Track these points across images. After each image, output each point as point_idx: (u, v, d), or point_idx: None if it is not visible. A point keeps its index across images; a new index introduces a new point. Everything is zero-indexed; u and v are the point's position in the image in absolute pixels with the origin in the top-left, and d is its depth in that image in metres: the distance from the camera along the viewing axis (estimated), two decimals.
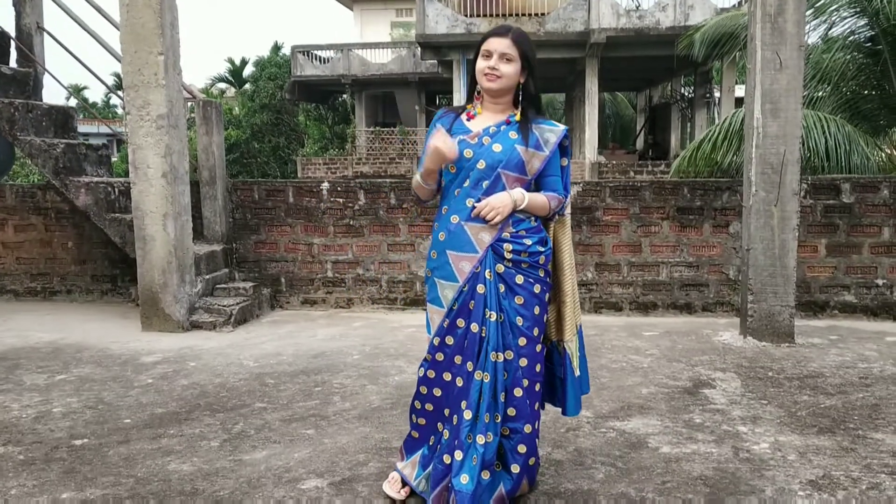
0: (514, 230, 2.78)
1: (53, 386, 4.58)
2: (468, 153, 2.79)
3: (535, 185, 2.87)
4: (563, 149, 2.91)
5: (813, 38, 11.03)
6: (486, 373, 2.74)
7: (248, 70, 37.08)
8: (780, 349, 5.27)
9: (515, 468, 2.84)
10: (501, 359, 2.76)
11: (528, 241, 2.79)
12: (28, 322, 6.44)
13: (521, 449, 2.83)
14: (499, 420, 2.77)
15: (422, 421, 2.98)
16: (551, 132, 2.86)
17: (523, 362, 2.79)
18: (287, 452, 3.49)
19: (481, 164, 2.77)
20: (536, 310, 2.81)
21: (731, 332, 5.79)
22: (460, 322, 2.79)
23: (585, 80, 20.91)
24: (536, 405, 2.88)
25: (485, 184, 2.78)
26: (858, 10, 10.33)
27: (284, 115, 31.81)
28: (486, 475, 2.73)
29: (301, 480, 3.17)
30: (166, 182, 5.89)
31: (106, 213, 6.43)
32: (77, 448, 3.57)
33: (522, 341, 2.79)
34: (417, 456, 2.99)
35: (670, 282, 6.52)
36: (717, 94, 23.87)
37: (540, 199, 2.82)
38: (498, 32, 2.83)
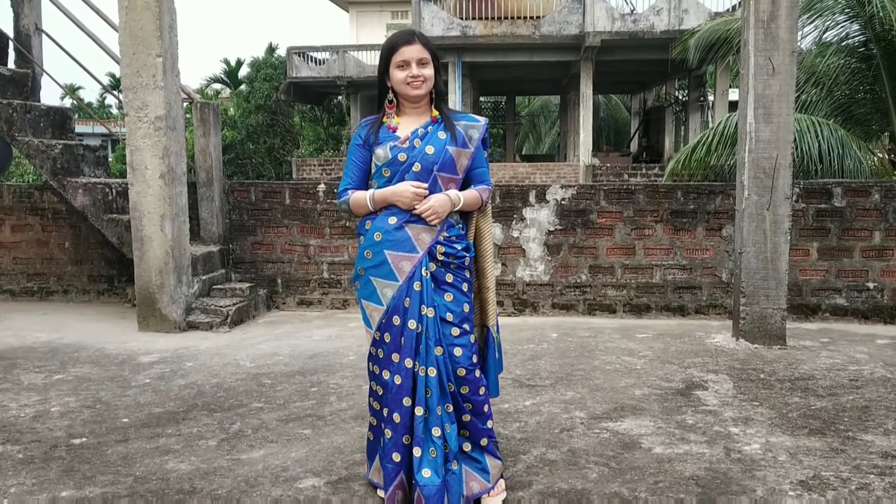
0: (447, 234, 2.91)
1: (51, 385, 4.61)
2: (402, 157, 2.87)
3: (464, 179, 3.00)
4: (483, 141, 3.03)
5: (807, 42, 11.12)
6: (430, 367, 2.82)
7: (244, 71, 37.10)
8: (771, 351, 5.33)
9: (484, 441, 2.97)
10: (442, 352, 2.85)
11: (458, 247, 2.94)
12: (25, 322, 6.46)
13: (490, 424, 2.99)
14: (450, 410, 2.86)
15: (374, 421, 3.02)
16: (474, 128, 2.99)
17: (458, 352, 2.89)
18: (284, 452, 3.52)
19: (416, 167, 2.87)
20: (466, 307, 2.95)
21: (724, 334, 5.84)
22: (396, 319, 2.86)
23: (580, 84, 20.98)
24: (482, 390, 2.97)
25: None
26: (852, 14, 10.41)
27: (280, 116, 31.83)
28: (454, 466, 2.82)
29: (298, 479, 3.21)
30: (164, 183, 5.92)
31: (103, 213, 6.46)
32: (76, 447, 3.60)
33: (455, 332, 2.89)
34: (377, 460, 3.01)
35: (664, 284, 6.57)
36: (710, 98, 23.98)
37: (473, 194, 2.97)
38: (406, 40, 2.89)
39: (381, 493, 3.00)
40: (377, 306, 2.90)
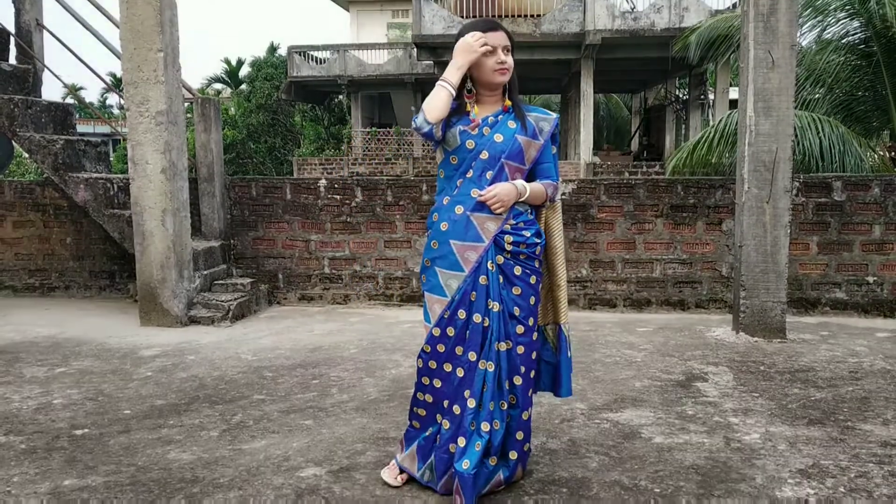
0: (514, 222, 2.86)
1: (53, 378, 4.62)
2: (470, 144, 2.84)
3: (530, 172, 2.95)
4: (553, 137, 2.99)
5: (807, 39, 11.12)
6: (490, 362, 2.80)
7: (244, 70, 37.11)
8: (771, 344, 5.34)
9: (514, 454, 2.93)
10: (504, 348, 2.82)
11: (527, 233, 2.88)
12: (27, 317, 6.48)
13: (519, 436, 2.92)
14: (504, 407, 2.85)
15: (422, 412, 3.01)
16: (545, 121, 2.95)
17: (521, 350, 2.86)
18: (286, 442, 3.53)
19: (484, 155, 2.83)
20: (532, 300, 2.89)
21: (724, 328, 5.85)
22: (461, 313, 2.84)
23: (581, 82, 20.99)
24: (531, 392, 2.96)
25: (489, 174, 2.84)
26: (852, 12, 10.42)
27: (280, 115, 31.85)
28: (493, 461, 2.83)
29: (299, 469, 3.22)
30: (165, 178, 5.94)
31: (105, 208, 6.48)
32: (78, 438, 3.62)
33: (520, 329, 2.86)
34: (414, 447, 3.02)
35: (664, 279, 6.59)
36: (711, 96, 23.97)
37: (538, 187, 2.90)
38: (492, 27, 2.87)
39: (399, 478, 3.03)
40: (440, 298, 2.87)
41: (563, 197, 6.61)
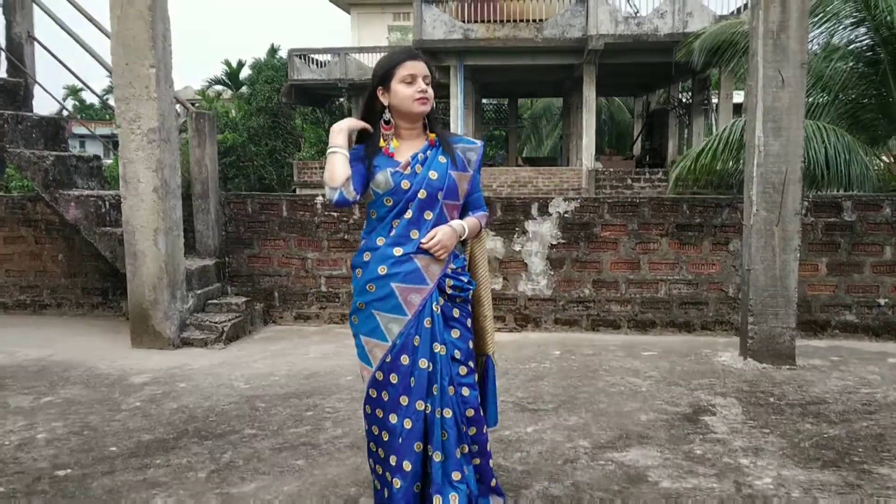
0: (454, 266, 2.81)
1: (39, 409, 4.47)
2: (405, 184, 2.72)
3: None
4: (479, 164, 2.92)
5: (813, 46, 10.97)
6: (446, 408, 2.69)
7: (245, 73, 36.94)
8: (780, 372, 5.18)
9: (494, 482, 2.85)
10: (454, 391, 2.72)
11: (464, 279, 2.83)
12: (16, 336, 6.33)
13: (493, 483, 2.85)
14: (466, 451, 2.73)
15: (379, 469, 2.82)
16: (471, 150, 2.87)
17: (466, 392, 2.76)
18: (276, 485, 3.38)
19: (422, 194, 2.72)
20: (470, 343, 2.83)
21: (731, 352, 5.69)
22: (405, 359, 2.71)
23: (583, 87, 20.81)
24: (485, 428, 2.85)
25: (427, 214, 2.74)
26: (859, 19, 10.27)
27: (281, 118, 31.70)
28: None
29: None
30: (157, 197, 5.78)
31: (96, 226, 6.33)
32: (60, 479, 3.47)
33: (463, 371, 2.77)
34: None
35: (669, 300, 6.42)
36: (714, 101, 23.81)
37: (474, 222, 2.88)
38: (412, 56, 2.77)
39: None
40: (380, 342, 2.74)
41: (566, 215, 6.45)
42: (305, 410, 4.42)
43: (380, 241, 2.76)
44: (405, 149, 2.80)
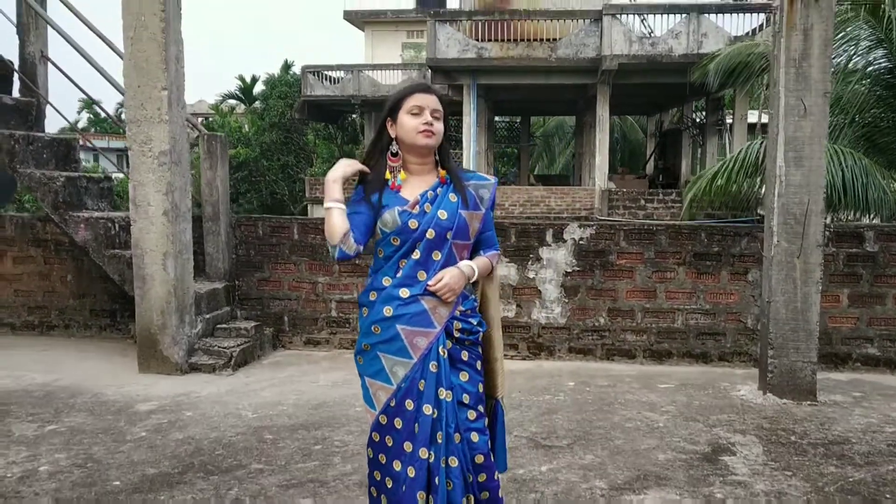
0: (463, 308, 2.70)
1: (42, 438, 4.38)
2: (413, 224, 2.62)
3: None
4: (492, 202, 2.83)
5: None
6: (451, 456, 2.59)
7: (259, 88, 37.06)
8: (801, 408, 5.04)
9: None
10: (460, 438, 2.61)
11: (474, 321, 2.73)
12: (23, 359, 6.25)
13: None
14: (472, 501, 2.63)
15: None
16: (484, 188, 2.77)
17: (475, 437, 2.65)
18: None
19: (430, 234, 2.63)
20: (480, 386, 2.72)
21: (750, 385, 5.55)
22: (409, 403, 2.61)
23: (597, 106, 20.73)
24: (496, 475, 2.74)
25: (436, 254, 2.65)
26: (876, 41, 10.18)
27: (294, 133, 31.80)
28: None
29: None
30: (167, 220, 5.72)
31: (105, 249, 6.26)
32: None
33: (472, 415, 2.66)
34: None
35: (686, 329, 6.29)
36: (728, 121, 23.68)
37: (484, 262, 2.78)
38: (423, 89, 2.70)
39: None
40: (385, 385, 2.65)
41: (581, 242, 6.35)
42: (314, 444, 4.32)
43: (386, 282, 2.67)
44: (414, 184, 2.71)
